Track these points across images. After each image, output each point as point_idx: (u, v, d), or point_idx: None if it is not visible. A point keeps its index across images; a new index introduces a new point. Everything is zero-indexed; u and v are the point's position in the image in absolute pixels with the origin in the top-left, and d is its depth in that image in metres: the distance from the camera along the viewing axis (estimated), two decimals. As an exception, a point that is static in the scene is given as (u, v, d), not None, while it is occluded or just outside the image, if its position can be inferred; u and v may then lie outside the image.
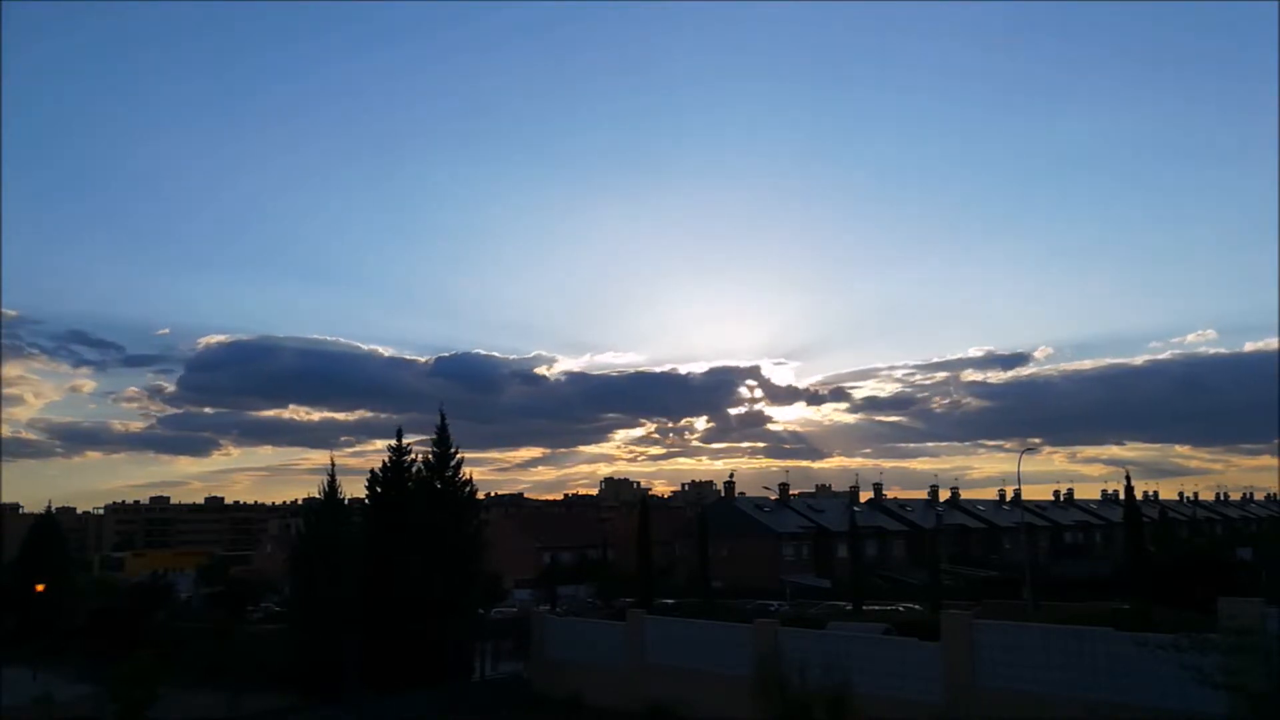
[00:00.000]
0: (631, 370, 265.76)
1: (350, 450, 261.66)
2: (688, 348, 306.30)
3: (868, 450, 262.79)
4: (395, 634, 26.82)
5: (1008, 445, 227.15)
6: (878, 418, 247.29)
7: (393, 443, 30.34)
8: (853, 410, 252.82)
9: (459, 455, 30.56)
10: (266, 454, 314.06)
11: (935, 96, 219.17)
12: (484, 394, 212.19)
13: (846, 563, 67.52)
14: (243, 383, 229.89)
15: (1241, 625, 12.14)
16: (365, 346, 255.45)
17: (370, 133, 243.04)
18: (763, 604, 50.61)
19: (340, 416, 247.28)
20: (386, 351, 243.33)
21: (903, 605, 49.03)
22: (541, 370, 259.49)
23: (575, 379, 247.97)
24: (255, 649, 34.93)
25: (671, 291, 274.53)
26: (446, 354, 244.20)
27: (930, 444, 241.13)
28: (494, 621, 39.56)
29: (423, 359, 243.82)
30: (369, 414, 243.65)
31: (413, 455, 30.26)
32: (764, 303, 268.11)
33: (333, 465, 30.69)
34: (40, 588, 46.23)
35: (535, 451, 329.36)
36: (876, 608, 47.67)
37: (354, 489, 30.90)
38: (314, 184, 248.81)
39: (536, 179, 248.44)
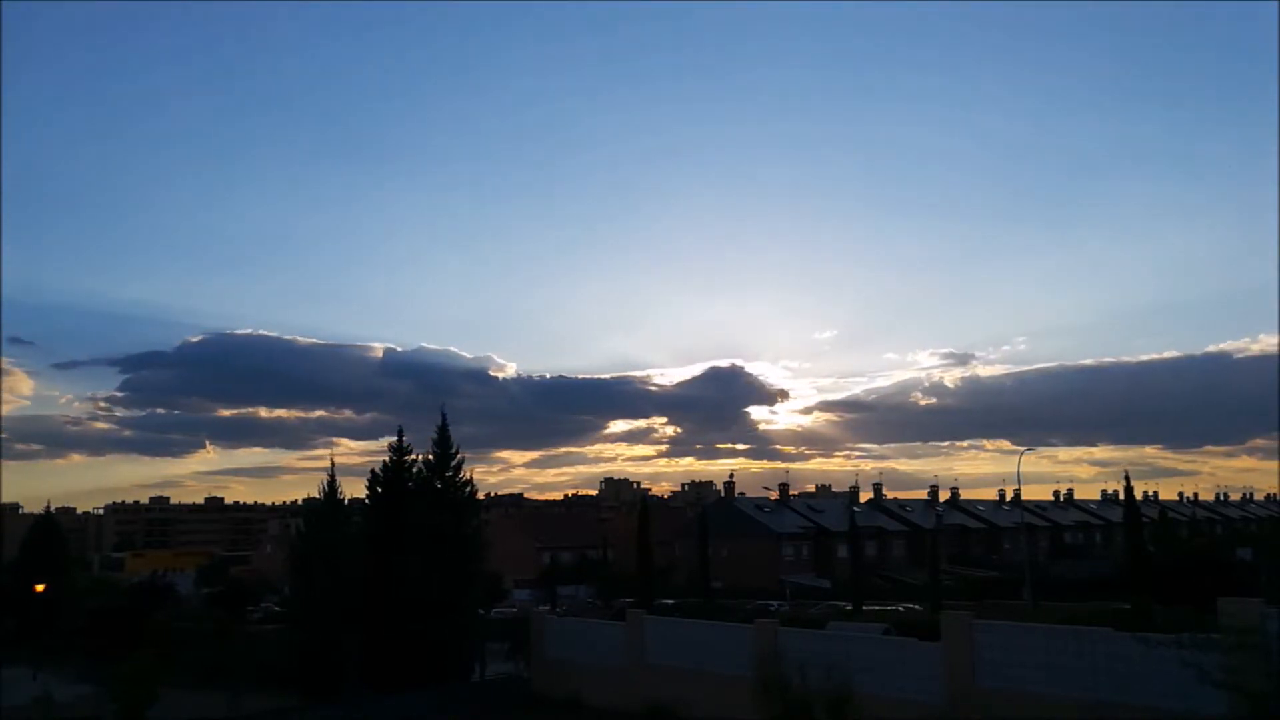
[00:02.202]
0: (583, 376, 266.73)
1: (319, 452, 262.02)
2: (649, 353, 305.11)
3: (843, 452, 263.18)
4: (395, 634, 26.82)
5: (988, 446, 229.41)
6: (846, 419, 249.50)
7: (392, 440, 30.33)
8: (823, 411, 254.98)
9: (459, 455, 30.59)
10: (241, 455, 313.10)
11: (915, 96, 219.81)
12: (440, 394, 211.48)
13: (846, 563, 67.53)
14: (202, 384, 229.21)
15: (1241, 625, 12.14)
16: (307, 341, 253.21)
17: (321, 133, 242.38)
18: (763, 604, 50.60)
19: (289, 415, 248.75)
20: (366, 352, 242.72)
21: (903, 605, 49.04)
22: (496, 371, 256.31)
23: (536, 382, 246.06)
24: (255, 649, 34.96)
25: (637, 296, 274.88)
26: (400, 348, 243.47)
27: (900, 445, 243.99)
28: (494, 621, 39.62)
29: (379, 351, 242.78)
30: (325, 413, 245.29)
31: (413, 455, 30.27)
32: (733, 307, 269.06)
33: (332, 465, 30.74)
34: (40, 588, 46.23)
35: (507, 451, 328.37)
36: (876, 608, 47.68)
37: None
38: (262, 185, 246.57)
39: (500, 184, 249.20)
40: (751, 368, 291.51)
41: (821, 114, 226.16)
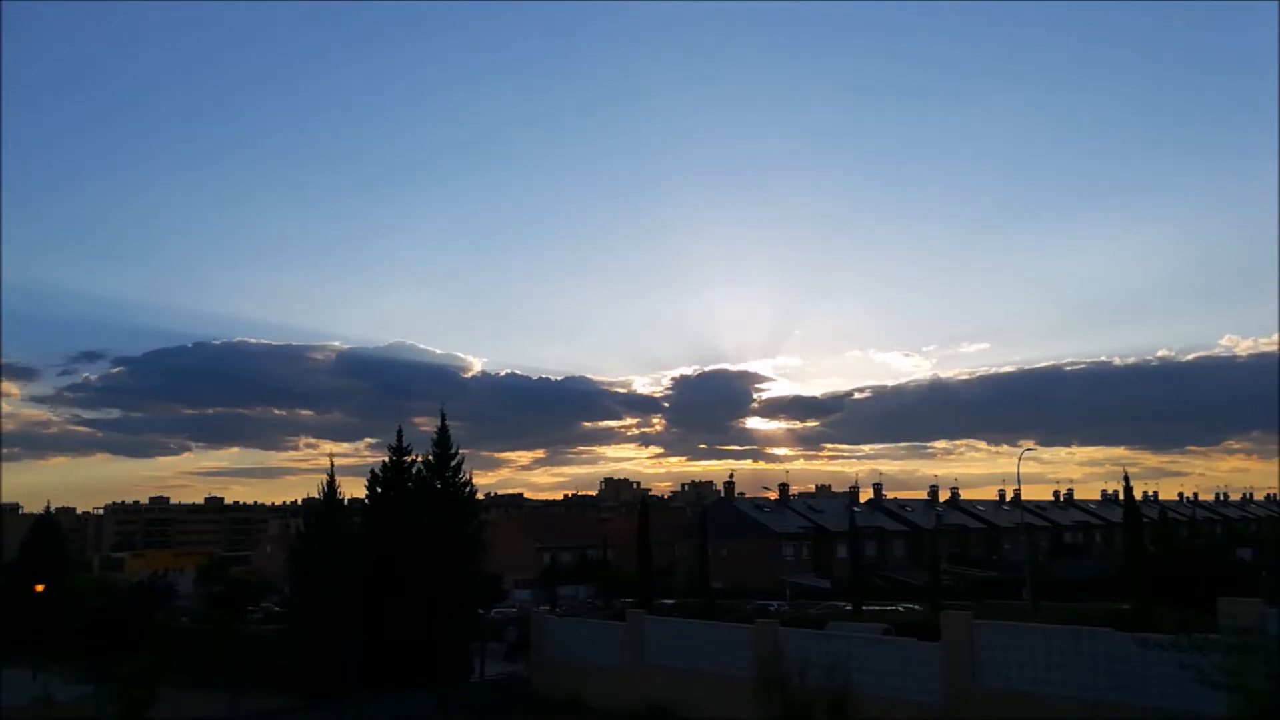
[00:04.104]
0: (545, 376, 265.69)
1: (290, 453, 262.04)
2: (623, 355, 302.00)
3: (825, 453, 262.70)
4: (395, 634, 26.80)
5: (962, 445, 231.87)
6: (824, 421, 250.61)
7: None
8: (802, 412, 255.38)
9: (460, 455, 30.58)
10: (218, 456, 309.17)
11: (891, 97, 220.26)
12: (411, 391, 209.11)
13: (846, 563, 67.48)
14: (165, 388, 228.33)
15: (1241, 625, 12.14)
16: (268, 342, 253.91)
17: (279, 131, 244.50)
18: (763, 604, 50.59)
19: (250, 413, 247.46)
20: (328, 350, 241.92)
21: (903, 605, 49.04)
22: (465, 370, 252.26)
23: (509, 381, 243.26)
24: (255, 649, 34.90)
25: (615, 298, 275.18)
26: (369, 346, 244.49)
27: (883, 446, 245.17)
28: (494, 621, 39.60)
29: (338, 349, 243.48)
30: (285, 413, 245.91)
31: (413, 455, 30.26)
32: (711, 309, 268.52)
33: (332, 466, 30.70)
34: (40, 588, 46.18)
35: (487, 451, 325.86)
36: (876, 608, 47.66)
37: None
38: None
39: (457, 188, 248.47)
40: (731, 370, 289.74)
41: (795, 118, 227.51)
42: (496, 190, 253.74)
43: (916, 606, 47.35)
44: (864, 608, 47.24)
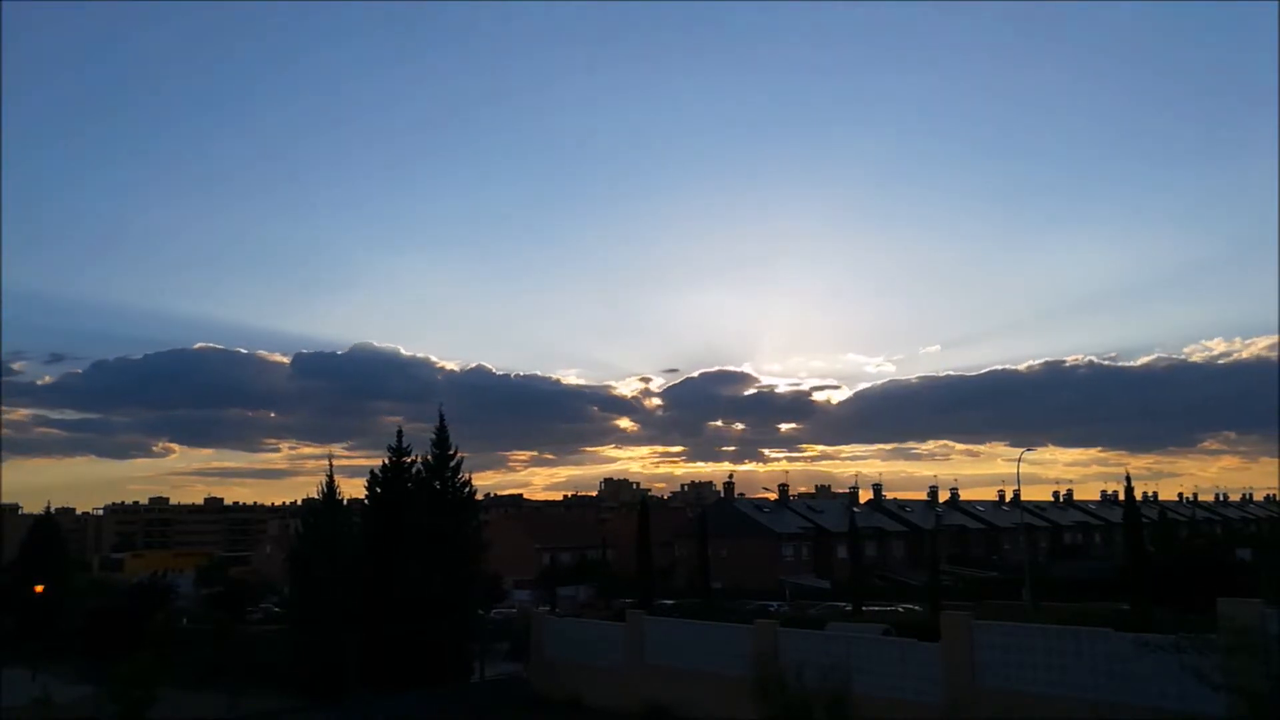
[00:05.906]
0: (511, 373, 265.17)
1: (269, 455, 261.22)
2: (591, 357, 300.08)
3: (795, 455, 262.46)
4: (395, 634, 26.82)
5: (936, 446, 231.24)
6: (807, 421, 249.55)
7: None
8: (784, 413, 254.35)
9: (458, 456, 30.58)
10: (203, 457, 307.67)
11: (879, 99, 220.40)
12: (382, 398, 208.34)
13: (846, 563, 67.53)
14: (131, 391, 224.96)
15: (1241, 625, 12.15)
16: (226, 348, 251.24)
17: (243, 125, 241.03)
18: (763, 604, 50.54)
19: (219, 414, 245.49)
20: (284, 358, 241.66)
21: (902, 606, 49.03)
22: (437, 369, 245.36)
23: (478, 382, 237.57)
24: (255, 649, 34.94)
25: (556, 302, 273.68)
26: (341, 350, 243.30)
27: (869, 447, 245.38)
28: (494, 621, 39.58)
29: (288, 356, 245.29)
30: (251, 413, 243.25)
31: (413, 457, 30.28)
32: (695, 311, 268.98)
33: (331, 466, 30.69)
34: (40, 588, 46.22)
35: (467, 453, 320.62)
36: (876, 608, 47.66)
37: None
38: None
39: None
40: (711, 371, 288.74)
41: (775, 119, 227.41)
42: (471, 191, 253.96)
43: (916, 607, 47.34)
44: (864, 608, 47.24)
